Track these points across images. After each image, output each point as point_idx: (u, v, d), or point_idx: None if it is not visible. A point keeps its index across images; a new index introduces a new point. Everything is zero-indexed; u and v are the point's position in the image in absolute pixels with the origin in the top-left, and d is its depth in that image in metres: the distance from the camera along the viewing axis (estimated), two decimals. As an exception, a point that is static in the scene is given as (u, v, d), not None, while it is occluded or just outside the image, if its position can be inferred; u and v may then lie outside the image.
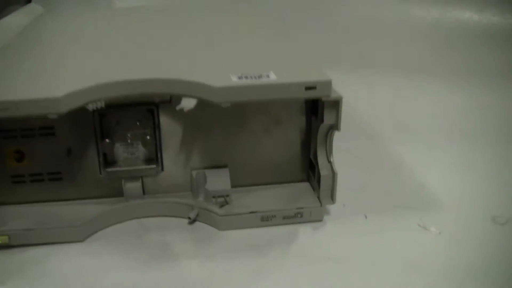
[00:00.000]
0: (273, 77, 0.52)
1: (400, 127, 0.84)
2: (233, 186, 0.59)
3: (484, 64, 1.15)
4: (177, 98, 0.56)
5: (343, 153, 0.62)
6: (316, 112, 0.57)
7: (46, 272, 0.53)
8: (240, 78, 0.52)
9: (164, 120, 0.57)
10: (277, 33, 0.71)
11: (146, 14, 0.82)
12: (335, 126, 0.55)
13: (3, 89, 0.50)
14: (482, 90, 1.01)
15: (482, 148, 0.77)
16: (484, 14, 1.33)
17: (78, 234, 0.56)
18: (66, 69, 0.55)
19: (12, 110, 0.49)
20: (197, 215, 0.58)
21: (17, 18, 1.29)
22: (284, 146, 0.60)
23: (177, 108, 0.53)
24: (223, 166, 0.60)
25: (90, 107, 0.52)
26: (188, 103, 0.53)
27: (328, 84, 0.52)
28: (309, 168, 0.62)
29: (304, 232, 0.57)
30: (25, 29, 0.76)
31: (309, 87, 0.52)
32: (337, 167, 0.58)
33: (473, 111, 0.91)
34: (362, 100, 0.94)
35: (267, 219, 0.58)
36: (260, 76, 0.52)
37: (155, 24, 0.75)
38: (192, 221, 0.58)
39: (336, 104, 0.54)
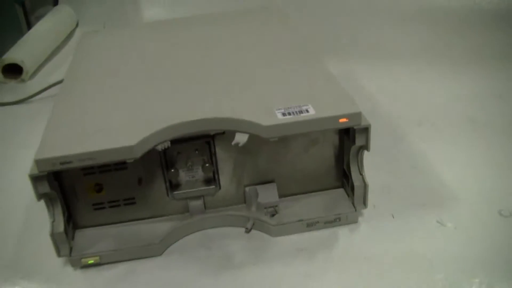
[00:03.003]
0: (311, 112, 0.62)
1: (418, 120, 0.93)
2: (280, 196, 0.70)
3: (498, 49, 1.20)
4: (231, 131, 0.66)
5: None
6: (348, 132, 0.67)
7: (134, 285, 0.64)
8: (284, 114, 0.61)
9: (219, 148, 0.67)
10: (304, 53, 0.78)
11: (176, 36, 0.89)
12: (364, 147, 0.65)
13: (88, 142, 0.60)
14: (496, 77, 1.07)
15: (496, 139, 0.86)
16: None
17: (157, 249, 0.67)
18: (131, 116, 0.64)
19: (97, 159, 0.59)
20: (253, 224, 0.69)
21: (50, 22, 1.36)
22: (321, 160, 0.70)
23: (233, 143, 0.63)
24: (271, 181, 0.70)
25: (159, 147, 0.62)
26: (241, 138, 0.63)
27: (358, 115, 0.62)
28: (343, 176, 0.72)
29: (342, 234, 0.68)
30: (73, 61, 0.83)
31: (343, 119, 0.62)
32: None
33: (489, 100, 0.99)
34: (382, 93, 1.03)
35: (311, 225, 0.68)
36: (300, 112, 0.62)
37: (189, 50, 0.82)
38: (248, 231, 0.69)
39: (365, 130, 0.64)
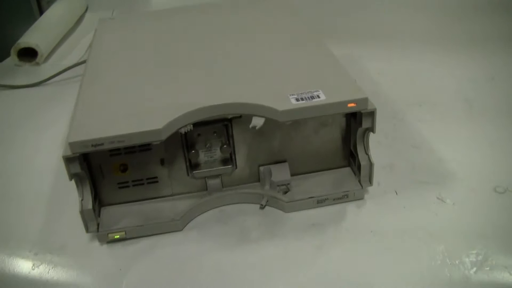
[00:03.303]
0: (322, 97, 0.67)
1: (418, 102, 0.98)
2: (291, 175, 0.75)
3: (492, 33, 1.25)
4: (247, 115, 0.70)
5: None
6: (355, 115, 0.72)
7: (157, 258, 0.69)
8: (297, 100, 0.66)
9: (236, 131, 0.72)
10: (310, 40, 0.83)
11: (189, 24, 0.94)
12: (370, 129, 0.70)
13: (118, 125, 0.64)
14: (490, 60, 1.13)
15: (490, 119, 0.92)
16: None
17: (178, 225, 0.72)
18: (156, 101, 0.69)
19: (126, 141, 0.64)
20: (267, 201, 0.74)
21: (61, 7, 1.40)
22: (330, 142, 0.76)
23: (250, 126, 0.68)
24: (283, 161, 0.76)
25: (182, 130, 0.67)
26: (258, 121, 0.68)
27: (365, 100, 0.67)
28: (349, 156, 0.77)
29: (350, 210, 0.74)
30: (94, 46, 0.88)
31: (351, 104, 0.67)
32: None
33: (483, 82, 1.04)
34: (382, 75, 1.08)
35: (321, 202, 0.74)
36: (312, 97, 0.67)
37: (204, 37, 0.87)
38: (263, 207, 0.74)
39: (371, 114, 0.69)
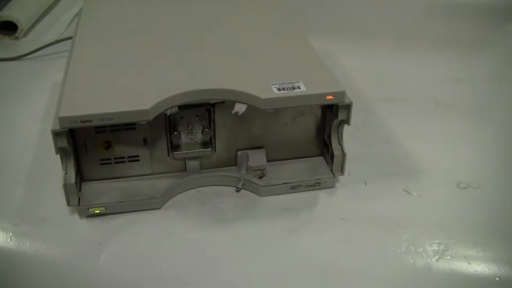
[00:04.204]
0: (303, 88, 0.70)
1: (389, 98, 1.03)
2: (267, 161, 0.78)
3: (462, 35, 1.31)
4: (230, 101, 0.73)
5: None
6: (331, 107, 0.75)
7: (135, 234, 0.72)
8: (279, 89, 0.69)
9: (218, 115, 0.75)
10: (292, 32, 0.87)
11: (177, 9, 0.96)
12: (345, 121, 0.74)
13: (107, 103, 0.67)
14: (458, 61, 1.18)
15: (456, 118, 0.97)
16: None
17: (157, 203, 0.75)
18: (144, 82, 0.71)
19: (115, 119, 0.66)
20: (243, 185, 0.77)
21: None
22: (305, 130, 0.79)
23: (233, 112, 0.71)
24: (260, 147, 0.79)
25: (168, 112, 0.69)
26: (240, 108, 0.71)
27: (343, 93, 0.71)
28: (323, 146, 0.81)
29: (321, 197, 0.77)
30: (82, 24, 0.90)
31: (330, 96, 0.71)
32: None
33: (450, 82, 1.09)
34: (357, 70, 1.13)
35: (295, 188, 0.77)
36: (293, 88, 0.70)
37: (192, 24, 0.89)
38: (239, 190, 0.77)
39: (347, 107, 0.72)
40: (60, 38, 1.20)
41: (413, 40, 1.28)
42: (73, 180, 0.70)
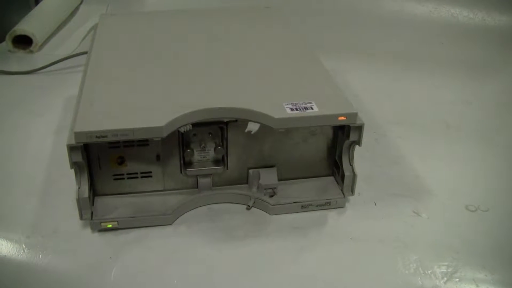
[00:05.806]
0: (315, 109, 0.71)
1: (398, 120, 1.03)
2: (279, 180, 0.79)
3: (472, 58, 1.32)
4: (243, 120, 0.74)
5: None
6: (342, 128, 0.76)
7: (147, 249, 0.72)
8: (292, 109, 0.70)
9: (230, 134, 0.76)
10: (305, 52, 0.88)
11: (187, 27, 0.98)
12: (357, 142, 0.75)
13: (122, 119, 0.68)
14: (468, 84, 1.19)
15: (465, 141, 0.97)
16: (473, 10, 1.50)
17: (169, 219, 0.75)
18: (159, 99, 0.73)
19: (129, 135, 0.67)
20: (254, 203, 0.78)
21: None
22: (316, 150, 0.80)
23: (246, 131, 0.72)
24: (272, 166, 0.80)
25: (182, 129, 0.70)
26: (253, 127, 0.72)
27: (355, 115, 0.72)
28: (334, 166, 0.82)
29: (331, 217, 0.78)
30: (97, 41, 0.91)
31: (342, 117, 0.72)
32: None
33: (461, 105, 1.10)
34: (367, 91, 1.14)
35: (305, 207, 0.78)
36: (306, 108, 0.71)
37: (206, 40, 0.91)
38: (249, 208, 0.78)
39: (359, 128, 0.73)
40: (73, 53, 1.22)
41: (423, 62, 1.30)
42: (86, 194, 0.71)
